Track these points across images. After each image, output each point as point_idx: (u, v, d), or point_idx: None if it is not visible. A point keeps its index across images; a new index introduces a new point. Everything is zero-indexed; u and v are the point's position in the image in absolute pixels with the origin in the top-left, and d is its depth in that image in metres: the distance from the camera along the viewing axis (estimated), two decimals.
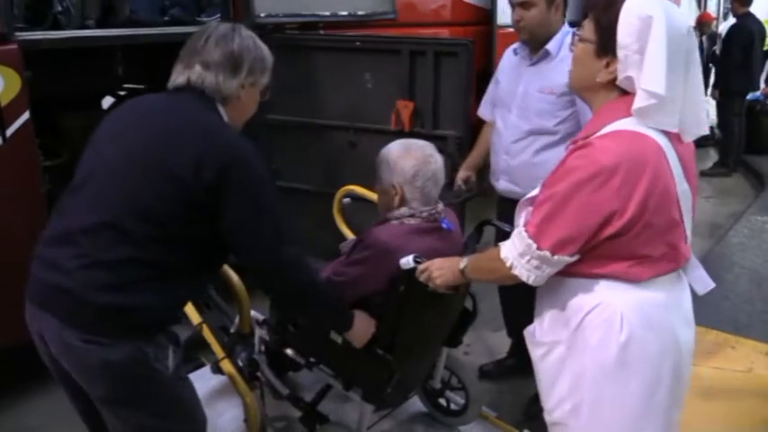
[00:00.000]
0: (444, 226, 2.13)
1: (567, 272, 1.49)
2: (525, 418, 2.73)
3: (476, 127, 3.11)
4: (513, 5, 2.51)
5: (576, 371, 1.54)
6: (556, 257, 1.43)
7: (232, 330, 2.43)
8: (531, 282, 1.49)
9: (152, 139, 1.56)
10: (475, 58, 3.13)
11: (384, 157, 2.12)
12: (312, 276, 1.78)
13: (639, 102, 1.39)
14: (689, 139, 1.48)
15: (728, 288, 3.93)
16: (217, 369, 2.34)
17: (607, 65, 1.45)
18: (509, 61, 2.70)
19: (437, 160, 2.11)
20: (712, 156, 7.75)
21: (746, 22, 6.85)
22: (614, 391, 1.51)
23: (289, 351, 2.32)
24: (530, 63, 2.57)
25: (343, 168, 3.44)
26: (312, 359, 2.26)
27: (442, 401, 2.64)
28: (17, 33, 2.61)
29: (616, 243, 1.43)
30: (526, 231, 1.45)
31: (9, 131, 2.55)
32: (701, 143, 8.73)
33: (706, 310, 3.59)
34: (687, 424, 2.63)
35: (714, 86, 7.57)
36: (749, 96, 7.27)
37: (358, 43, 3.36)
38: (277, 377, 2.40)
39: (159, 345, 1.58)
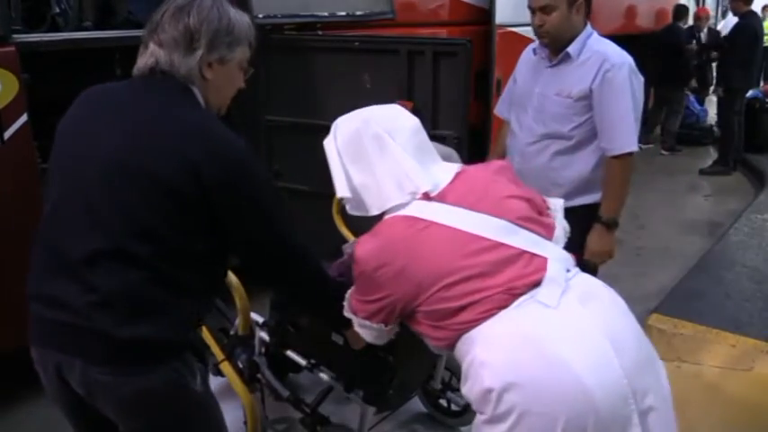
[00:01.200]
0: None
1: (444, 347, 1.55)
2: None
3: (475, 126, 3.10)
4: (532, 10, 2.42)
5: None
6: (368, 323, 1.60)
7: (232, 332, 2.42)
8: (365, 337, 1.67)
9: (131, 148, 1.39)
10: (474, 58, 3.12)
11: None
12: (319, 265, 1.70)
13: (346, 206, 1.68)
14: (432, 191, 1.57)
15: (729, 287, 3.92)
16: (217, 371, 2.34)
17: None
18: (527, 61, 2.63)
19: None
20: (712, 154, 7.75)
21: (751, 20, 6.85)
22: None
23: (289, 353, 2.31)
24: (549, 65, 2.50)
25: None
26: (313, 361, 2.26)
27: (443, 402, 2.63)
28: (14, 35, 2.60)
29: (433, 310, 1.47)
30: (349, 294, 1.64)
31: (7, 134, 2.55)
32: (700, 142, 8.80)
33: (707, 310, 3.60)
34: (688, 423, 2.64)
35: (717, 84, 7.54)
36: (749, 94, 7.27)
37: (356, 44, 3.36)
38: (277, 379, 2.39)
39: (188, 362, 1.48)
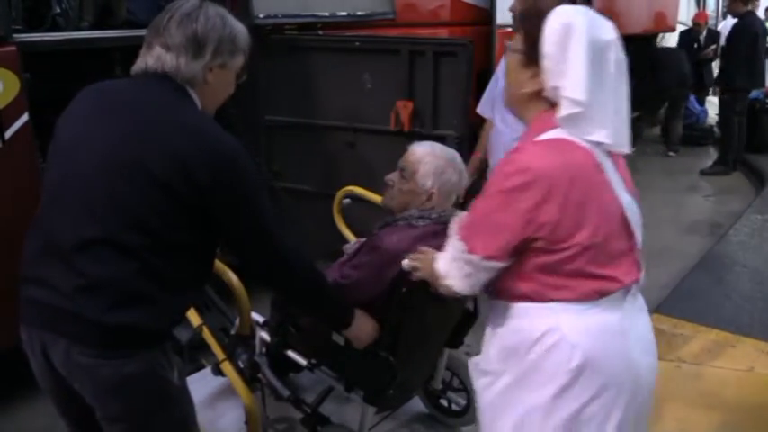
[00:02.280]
0: None
1: (514, 296, 1.46)
2: None
3: (475, 127, 3.11)
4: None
5: (522, 405, 1.47)
6: (486, 263, 1.41)
7: (232, 332, 2.42)
8: (462, 290, 1.48)
9: (128, 143, 1.43)
10: (474, 58, 3.12)
11: (429, 161, 2.11)
12: (312, 266, 1.72)
13: (564, 110, 1.38)
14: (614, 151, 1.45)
15: (729, 287, 3.92)
16: (217, 371, 2.34)
17: (533, 75, 1.43)
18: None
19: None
20: (712, 154, 7.75)
21: (749, 20, 6.86)
22: (563, 424, 1.42)
23: (290, 353, 2.32)
24: None
25: (343, 169, 3.44)
26: (314, 361, 2.26)
27: (444, 402, 2.63)
28: (15, 35, 2.60)
29: (554, 260, 1.38)
30: (457, 235, 1.45)
31: (8, 134, 2.54)
32: (700, 142, 8.83)
33: (707, 310, 3.60)
34: (688, 423, 2.64)
35: (717, 84, 7.54)
36: (751, 95, 7.26)
37: (357, 44, 3.36)
38: (278, 379, 2.40)
39: (167, 354, 1.53)
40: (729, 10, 7.48)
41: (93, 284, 1.40)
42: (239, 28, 1.60)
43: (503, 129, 2.66)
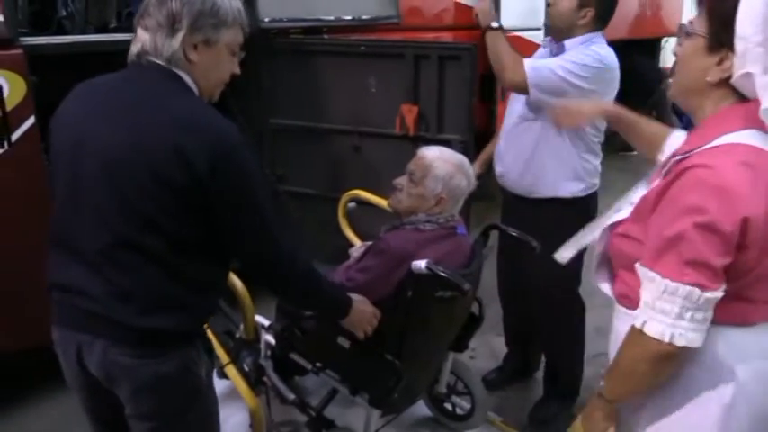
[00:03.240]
0: (459, 231, 2.13)
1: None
2: (531, 422, 2.73)
3: (482, 130, 3.11)
4: None
5: (666, 425, 1.33)
6: (718, 293, 1.21)
7: (237, 335, 2.43)
8: (696, 345, 1.23)
9: (127, 140, 1.40)
10: (479, 61, 3.13)
11: (438, 165, 2.12)
12: (309, 266, 1.68)
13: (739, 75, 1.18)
14: None
15: None
16: (222, 374, 2.34)
17: (720, 61, 1.23)
18: (538, 55, 2.69)
19: None
20: None
21: None
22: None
23: (295, 356, 2.32)
24: (548, 55, 2.56)
25: (348, 172, 3.44)
26: (318, 364, 2.26)
27: (448, 406, 2.63)
28: (22, 38, 2.61)
29: (730, 280, 1.22)
30: (679, 281, 1.19)
31: (14, 136, 2.55)
32: None
33: None
34: None
35: None
36: None
37: (362, 47, 3.36)
38: (283, 382, 2.40)
39: (198, 348, 1.56)
40: None
41: (123, 292, 1.42)
42: (225, 2, 1.51)
43: (507, 117, 2.66)
